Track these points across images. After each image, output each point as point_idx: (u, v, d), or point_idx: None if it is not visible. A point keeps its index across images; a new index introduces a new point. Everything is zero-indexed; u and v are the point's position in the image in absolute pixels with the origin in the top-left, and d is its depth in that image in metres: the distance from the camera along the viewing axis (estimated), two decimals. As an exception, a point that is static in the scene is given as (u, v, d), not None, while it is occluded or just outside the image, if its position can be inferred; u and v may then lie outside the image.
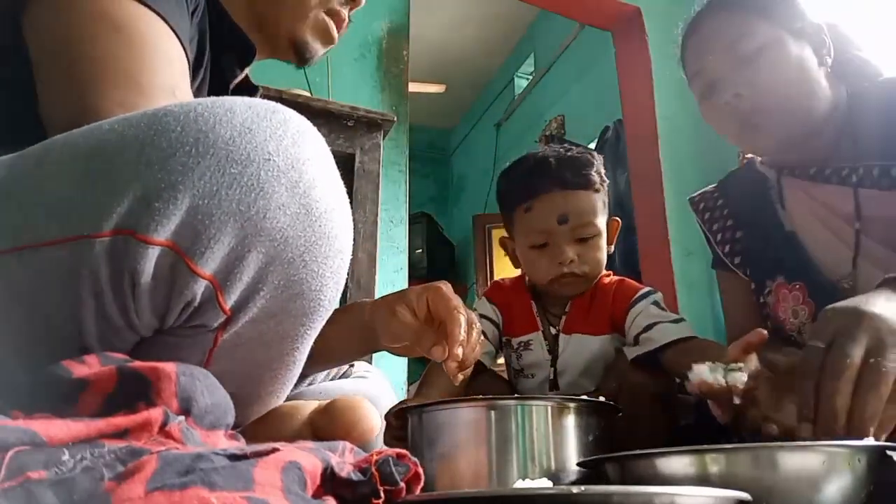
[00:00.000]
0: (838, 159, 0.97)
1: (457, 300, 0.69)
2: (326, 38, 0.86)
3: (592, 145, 3.64)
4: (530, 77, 4.91)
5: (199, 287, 0.44)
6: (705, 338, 1.01)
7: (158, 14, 0.59)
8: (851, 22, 1.06)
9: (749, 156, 1.18)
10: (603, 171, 1.14)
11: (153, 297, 0.44)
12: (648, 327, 1.02)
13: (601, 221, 1.10)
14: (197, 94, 0.76)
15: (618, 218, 1.17)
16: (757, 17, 0.97)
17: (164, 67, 0.58)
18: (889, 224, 0.82)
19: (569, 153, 1.12)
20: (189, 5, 0.66)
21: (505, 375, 1.20)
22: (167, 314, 0.46)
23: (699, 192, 1.22)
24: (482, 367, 1.09)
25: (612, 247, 1.16)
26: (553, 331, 1.12)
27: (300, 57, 0.86)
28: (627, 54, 2.99)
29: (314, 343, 0.79)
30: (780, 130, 0.96)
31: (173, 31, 0.60)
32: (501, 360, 1.21)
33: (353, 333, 0.80)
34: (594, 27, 3.23)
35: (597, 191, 1.11)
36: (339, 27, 0.87)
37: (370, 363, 1.15)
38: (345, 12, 0.86)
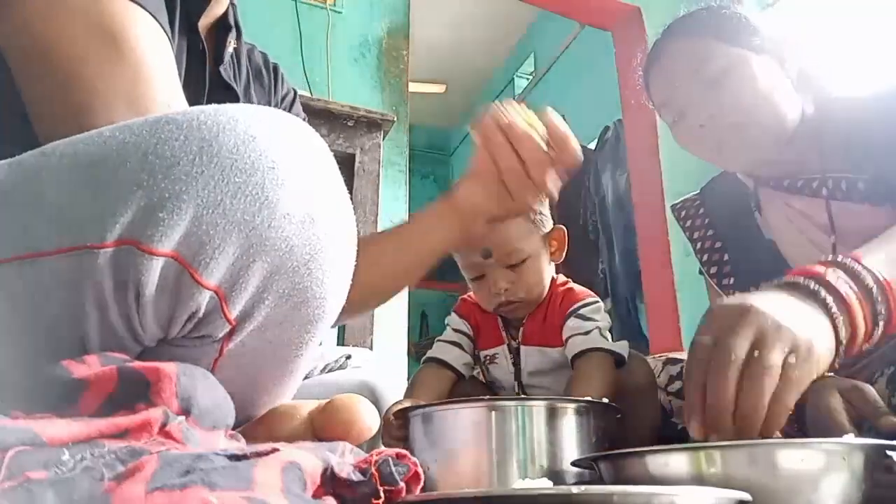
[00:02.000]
0: (808, 171, 0.98)
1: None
2: None
3: (592, 145, 3.64)
4: (530, 77, 4.90)
5: (204, 298, 0.44)
6: (603, 352, 1.00)
7: (146, 10, 0.58)
8: (821, 30, 1.06)
9: None
10: None
11: (157, 309, 0.44)
12: (566, 341, 1.06)
13: (529, 244, 1.09)
14: (178, 43, 0.74)
15: (561, 227, 1.15)
16: (716, 40, 0.97)
17: (159, 79, 0.58)
18: (863, 236, 0.79)
19: None
20: None
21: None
22: (171, 325, 0.45)
23: (681, 199, 1.22)
24: (461, 377, 1.12)
25: (563, 254, 1.15)
26: (514, 344, 1.14)
27: None
28: (627, 54, 2.98)
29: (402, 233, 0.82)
30: (753, 147, 0.96)
31: (161, 26, 0.59)
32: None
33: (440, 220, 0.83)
34: (594, 27, 3.23)
35: (514, 219, 1.07)
36: None
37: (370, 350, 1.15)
38: None
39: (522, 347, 1.13)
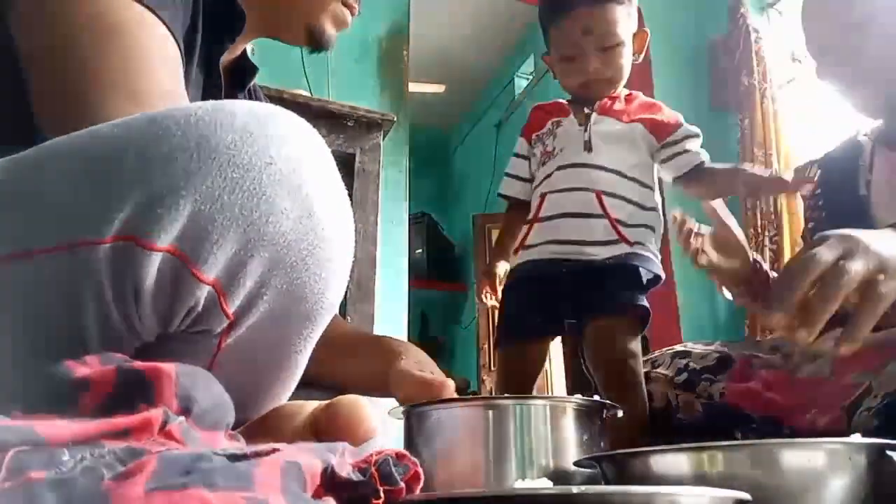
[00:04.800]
0: None
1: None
2: (341, 24, 0.87)
3: (592, 145, 3.64)
4: (530, 77, 4.90)
5: (203, 293, 0.44)
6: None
7: (153, 12, 0.58)
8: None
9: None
10: None
11: (156, 304, 0.44)
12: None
13: (624, 31, 1.22)
14: (186, 71, 0.75)
15: (645, 29, 1.31)
16: None
17: (159, 73, 0.58)
18: None
19: None
20: None
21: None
22: (170, 320, 0.45)
23: (805, 162, 1.28)
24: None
25: (640, 56, 1.29)
26: (586, 111, 1.27)
27: (315, 43, 0.87)
28: (627, 54, 2.99)
29: (333, 371, 0.82)
30: (875, 97, 1.01)
31: (168, 28, 0.60)
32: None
33: (371, 378, 0.82)
34: (594, 27, 3.22)
35: (620, 3, 1.22)
36: (352, 13, 0.88)
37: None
38: (358, 2, 0.88)
39: (594, 115, 1.24)
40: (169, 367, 0.39)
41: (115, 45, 0.56)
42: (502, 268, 1.30)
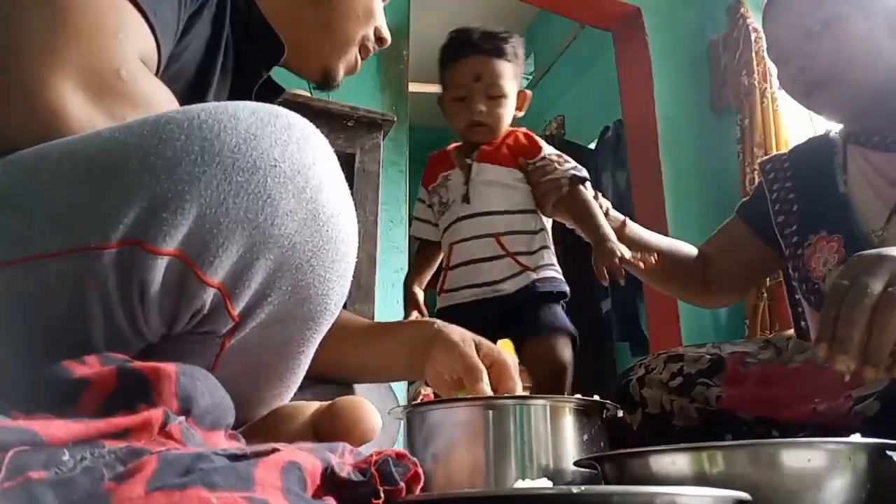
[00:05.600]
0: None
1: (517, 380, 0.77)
2: (352, 70, 0.91)
3: (592, 145, 3.64)
4: (530, 77, 4.90)
5: (208, 295, 0.45)
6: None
7: None
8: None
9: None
10: (521, 49, 1.46)
11: (162, 307, 0.44)
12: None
13: (509, 86, 1.40)
14: (218, 95, 0.75)
15: (527, 91, 1.50)
16: None
17: (115, 48, 0.52)
18: None
19: (493, 30, 1.45)
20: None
21: None
22: (176, 322, 0.46)
23: (771, 156, 1.32)
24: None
25: (523, 111, 1.47)
26: (468, 162, 1.42)
27: (326, 83, 0.90)
28: (627, 54, 2.98)
29: (356, 357, 0.83)
30: (842, 102, 1.02)
31: (141, 9, 0.55)
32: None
33: (402, 355, 0.83)
34: (594, 27, 3.23)
35: (508, 60, 1.40)
36: (363, 59, 0.92)
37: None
38: (374, 47, 0.91)
39: (475, 164, 1.40)
40: (169, 368, 0.39)
41: (57, 18, 0.50)
42: (420, 294, 1.48)
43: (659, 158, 2.71)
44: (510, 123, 1.45)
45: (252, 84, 0.82)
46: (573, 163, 1.38)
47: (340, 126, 1.68)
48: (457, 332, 0.80)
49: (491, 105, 1.39)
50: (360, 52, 0.89)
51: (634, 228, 1.33)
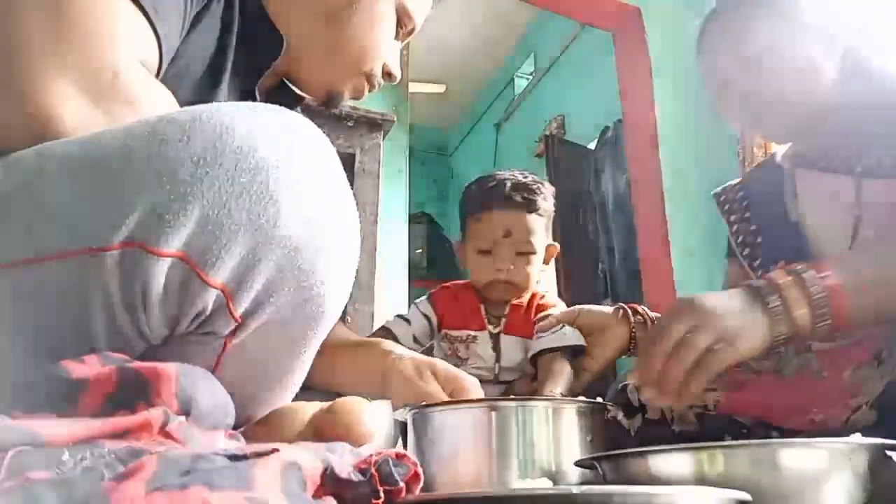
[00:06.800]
0: (845, 148, 1.00)
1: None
2: (357, 97, 0.91)
3: (592, 145, 3.64)
4: (530, 77, 4.90)
5: (211, 297, 0.45)
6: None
7: None
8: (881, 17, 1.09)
9: (774, 150, 1.23)
10: (551, 199, 1.33)
11: (164, 308, 0.44)
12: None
13: (539, 243, 1.29)
14: (229, 94, 0.75)
15: (555, 244, 1.36)
16: (763, 17, 1.01)
17: (115, 48, 0.52)
18: (885, 211, 0.89)
19: (524, 179, 1.32)
20: None
21: None
22: (178, 323, 0.46)
23: (722, 186, 1.28)
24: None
25: (547, 266, 1.36)
26: (494, 330, 1.29)
27: (329, 104, 0.90)
28: (627, 54, 2.99)
29: (325, 373, 0.81)
30: (785, 124, 1.01)
31: (142, 8, 0.55)
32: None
33: (366, 376, 0.86)
34: (594, 27, 3.23)
35: (541, 216, 1.30)
36: (370, 90, 0.91)
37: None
38: (381, 82, 0.90)
39: (503, 336, 1.27)
40: (169, 368, 0.39)
41: (57, 19, 0.50)
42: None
43: (659, 158, 2.72)
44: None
45: (253, 83, 0.82)
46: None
47: (340, 126, 1.68)
48: (410, 366, 0.82)
49: (519, 262, 1.27)
50: (367, 80, 0.88)
51: None
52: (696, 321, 0.73)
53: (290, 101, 0.90)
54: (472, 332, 1.29)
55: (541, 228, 1.29)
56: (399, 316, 1.32)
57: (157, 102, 0.55)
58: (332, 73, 0.86)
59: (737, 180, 1.26)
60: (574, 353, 1.12)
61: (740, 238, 1.17)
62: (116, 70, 0.51)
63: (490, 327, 1.29)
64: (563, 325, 1.12)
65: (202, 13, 0.66)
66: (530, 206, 1.29)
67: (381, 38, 0.86)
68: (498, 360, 1.26)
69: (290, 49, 0.81)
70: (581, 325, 1.10)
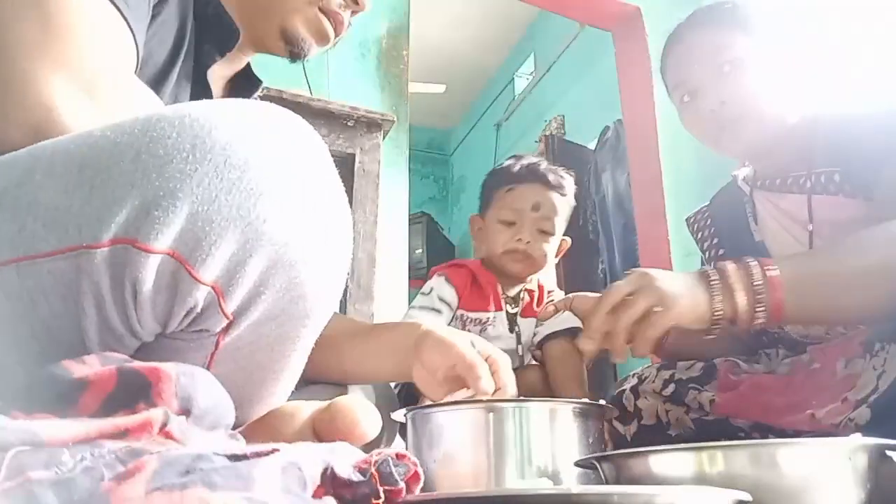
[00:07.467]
0: (798, 168, 1.02)
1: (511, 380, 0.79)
2: (320, 36, 0.84)
3: (592, 145, 3.64)
4: (530, 77, 4.90)
5: (202, 294, 0.44)
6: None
7: None
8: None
9: (734, 174, 1.23)
10: (574, 191, 1.40)
11: (155, 305, 0.44)
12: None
13: (560, 225, 1.35)
14: (177, 85, 0.74)
15: (567, 238, 1.42)
16: (735, 32, 1.02)
17: (100, 50, 0.53)
18: (835, 227, 0.93)
19: (555, 164, 1.41)
20: None
21: None
22: (169, 320, 0.46)
23: (694, 211, 1.30)
24: None
25: (556, 259, 1.41)
26: (512, 311, 1.34)
27: (291, 50, 0.84)
28: (627, 54, 2.99)
29: (340, 361, 0.83)
30: (754, 137, 1.02)
31: (122, 15, 0.56)
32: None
33: (388, 356, 0.84)
34: (594, 27, 3.23)
35: (567, 201, 1.36)
36: (336, 28, 0.85)
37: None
38: (344, 15, 0.85)
39: (521, 319, 1.31)
40: (169, 368, 0.39)
41: (43, 20, 0.51)
42: None
43: (659, 158, 2.72)
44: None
45: (205, 71, 0.80)
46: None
47: (340, 126, 1.68)
48: (448, 332, 0.81)
49: (539, 238, 1.33)
50: (327, 17, 0.83)
51: None
52: (639, 286, 0.80)
53: (249, 86, 0.89)
54: (490, 314, 1.31)
55: (564, 213, 1.36)
56: (423, 307, 1.31)
57: (145, 100, 0.56)
58: (277, 9, 0.81)
59: (705, 204, 1.28)
60: (573, 335, 1.18)
61: (713, 265, 1.17)
62: (106, 69, 0.53)
63: (508, 307, 1.33)
64: (561, 312, 1.14)
65: (161, 5, 0.66)
66: (561, 189, 1.36)
67: None
68: (519, 341, 1.30)
69: (231, 9, 0.79)
70: (575, 311, 1.11)
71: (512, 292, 1.34)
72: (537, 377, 1.26)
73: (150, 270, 0.42)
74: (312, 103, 1.64)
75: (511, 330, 1.30)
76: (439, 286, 1.33)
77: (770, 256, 1.03)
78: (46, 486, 0.28)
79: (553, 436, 0.69)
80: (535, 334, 1.29)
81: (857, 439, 0.54)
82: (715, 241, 1.19)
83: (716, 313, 0.80)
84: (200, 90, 0.79)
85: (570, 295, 1.15)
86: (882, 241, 0.80)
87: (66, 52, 0.50)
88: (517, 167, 1.37)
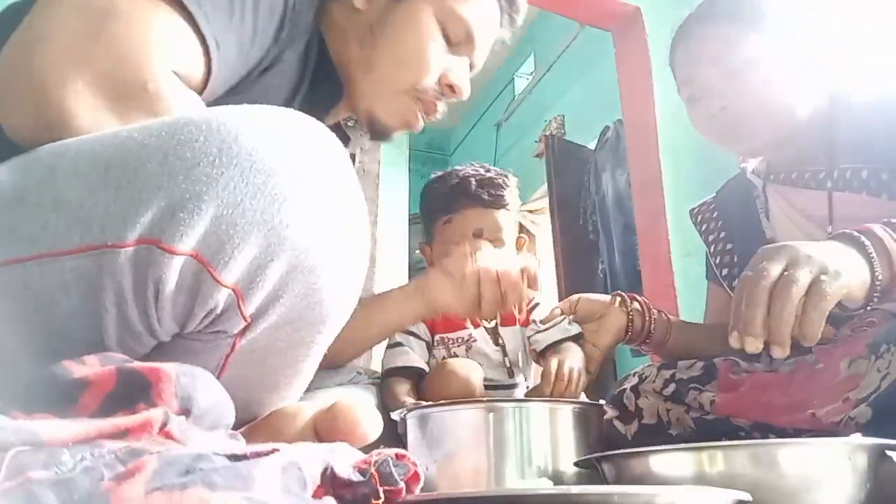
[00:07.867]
0: (816, 162, 1.00)
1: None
2: (407, 126, 0.84)
3: (592, 145, 3.64)
4: (530, 77, 4.90)
5: (222, 296, 0.45)
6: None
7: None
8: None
9: (743, 165, 1.22)
10: (516, 191, 1.32)
11: (175, 306, 0.44)
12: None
13: (509, 237, 1.28)
14: None
15: (524, 236, 1.36)
16: (746, 29, 0.99)
17: (147, 58, 0.53)
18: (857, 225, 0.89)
19: (487, 174, 1.30)
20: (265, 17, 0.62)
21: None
22: (188, 321, 0.46)
23: (699, 203, 1.26)
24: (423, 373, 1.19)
25: (524, 251, 1.36)
26: (490, 324, 1.29)
27: (374, 132, 0.85)
28: (627, 54, 2.98)
29: (358, 329, 0.81)
30: (762, 137, 1.00)
31: (195, 20, 0.55)
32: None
33: (405, 302, 0.89)
34: (594, 27, 3.23)
35: (508, 210, 1.28)
36: (428, 115, 0.84)
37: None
38: (440, 104, 0.84)
39: (502, 329, 1.27)
40: (169, 368, 0.39)
41: (100, 19, 0.51)
42: None
43: (659, 158, 2.71)
44: None
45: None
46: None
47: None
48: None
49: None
50: (421, 106, 0.83)
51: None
52: (790, 259, 0.69)
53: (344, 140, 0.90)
54: (470, 331, 1.28)
55: (510, 223, 1.29)
56: (397, 343, 1.23)
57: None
58: (369, 96, 0.81)
59: (711, 196, 1.25)
60: (575, 342, 1.13)
61: (718, 259, 1.15)
62: (146, 81, 0.52)
63: (485, 322, 1.29)
64: (564, 318, 1.13)
65: (286, 46, 0.66)
66: (498, 203, 1.27)
67: (419, 49, 0.79)
68: (505, 354, 1.26)
69: (345, 84, 0.80)
70: (580, 312, 1.10)
71: None
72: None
73: (173, 271, 0.43)
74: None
75: (496, 343, 1.27)
76: (416, 328, 1.29)
77: None
78: (46, 486, 0.28)
79: (553, 435, 0.69)
80: (534, 342, 1.28)
81: (857, 439, 0.54)
82: (722, 234, 1.16)
83: (876, 282, 0.72)
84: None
85: (575, 296, 1.13)
86: None
87: (103, 59, 0.51)
88: (448, 191, 1.29)
